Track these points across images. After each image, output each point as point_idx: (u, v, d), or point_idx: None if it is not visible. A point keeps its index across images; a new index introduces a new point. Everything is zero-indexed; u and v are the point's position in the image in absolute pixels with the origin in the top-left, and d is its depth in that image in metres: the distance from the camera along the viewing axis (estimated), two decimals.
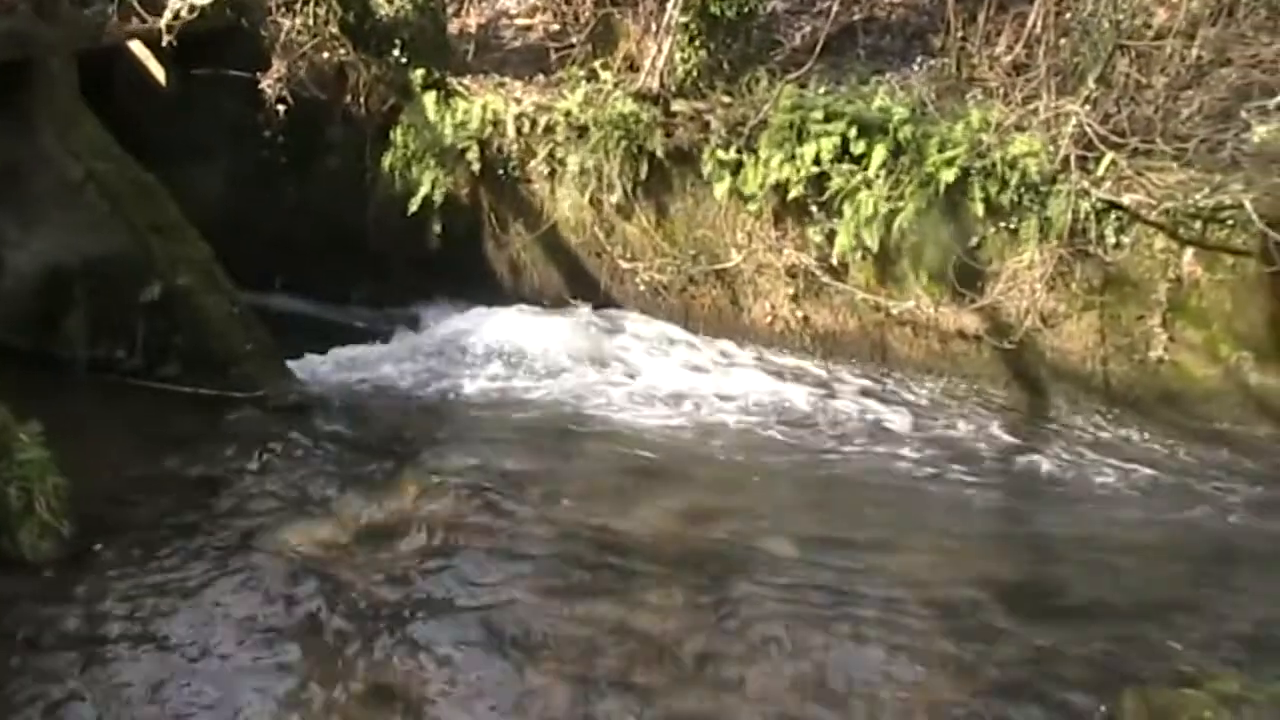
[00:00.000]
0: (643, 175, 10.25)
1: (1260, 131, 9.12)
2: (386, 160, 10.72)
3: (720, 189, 10.01)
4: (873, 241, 9.48)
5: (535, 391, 9.24)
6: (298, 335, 9.51)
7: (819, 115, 9.65)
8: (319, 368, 9.33)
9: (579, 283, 10.74)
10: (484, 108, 10.56)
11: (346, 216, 10.81)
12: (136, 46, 10.64)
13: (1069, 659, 5.95)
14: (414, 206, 10.53)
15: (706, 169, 10.04)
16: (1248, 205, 8.59)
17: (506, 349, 9.70)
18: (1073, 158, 9.07)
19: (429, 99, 10.60)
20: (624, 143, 10.16)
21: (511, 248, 10.84)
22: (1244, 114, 9.23)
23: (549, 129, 10.48)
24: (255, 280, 9.93)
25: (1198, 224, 8.92)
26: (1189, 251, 8.97)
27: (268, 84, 10.43)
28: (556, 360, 9.63)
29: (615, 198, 10.30)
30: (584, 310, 10.51)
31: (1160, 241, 9.04)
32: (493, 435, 8.49)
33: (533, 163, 10.55)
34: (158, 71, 10.76)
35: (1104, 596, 6.66)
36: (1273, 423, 8.89)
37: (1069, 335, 9.34)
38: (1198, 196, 8.88)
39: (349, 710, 5.38)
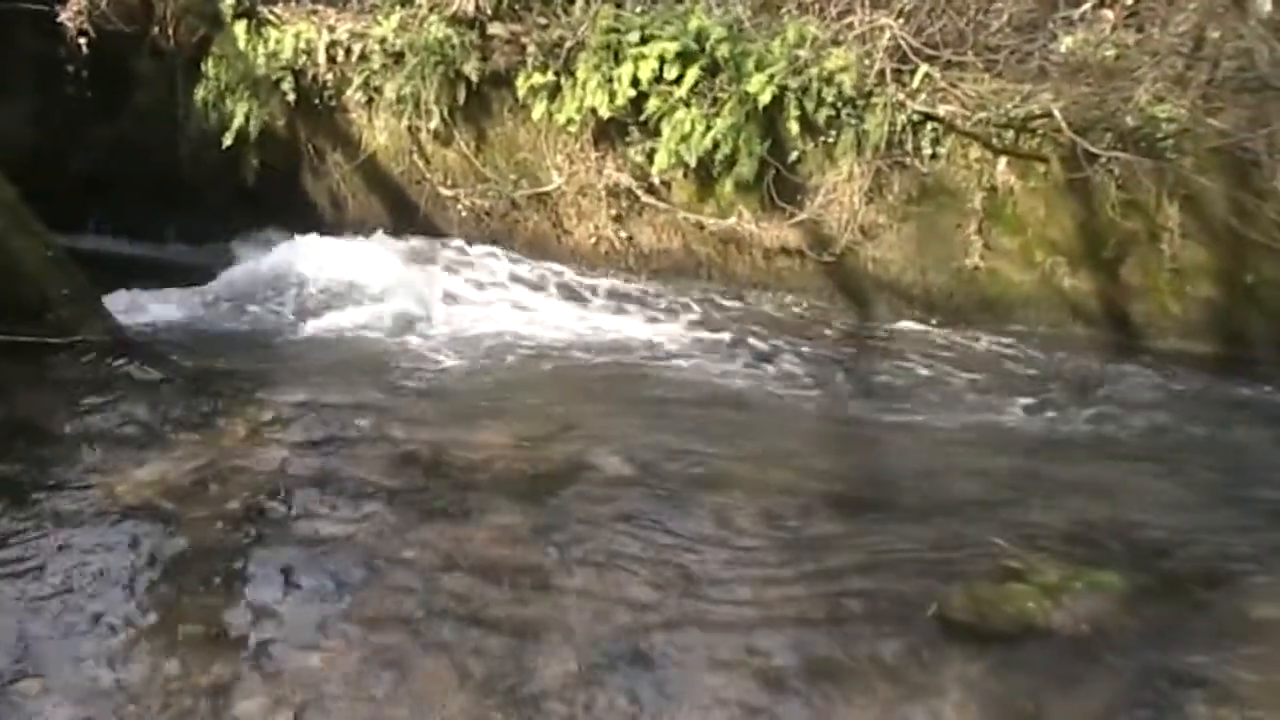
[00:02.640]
0: (460, 101, 10.00)
1: (1067, 41, 9.16)
2: (198, 93, 10.29)
3: (538, 112, 9.81)
4: (691, 160, 9.37)
5: (360, 322, 8.96)
6: (114, 276, 9.08)
7: (635, 37, 9.47)
8: (137, 308, 8.99)
9: (400, 211, 10.48)
10: (297, 36, 10.15)
11: (159, 152, 10.35)
12: None
13: (899, 560, 5.91)
14: (228, 139, 10.13)
15: (524, 93, 9.84)
16: (1057, 114, 8.64)
17: (328, 281, 9.36)
18: (888, 71, 9.04)
19: (240, 29, 10.15)
20: (440, 68, 9.87)
21: (330, 178, 10.53)
22: (1051, 24, 9.29)
23: (364, 56, 10.15)
24: (67, 222, 9.36)
25: (1010, 133, 8.96)
26: (1002, 161, 8.99)
27: (67, 17, 9.87)
28: (380, 290, 9.32)
29: (433, 124, 10.04)
30: (406, 238, 10.21)
31: (975, 151, 9.06)
32: (319, 368, 8.23)
33: (349, 91, 10.22)
34: None
35: (930, 498, 6.63)
36: (1086, 324, 8.99)
37: (889, 246, 9.35)
38: (1009, 106, 8.90)
39: (186, 656, 5.15)
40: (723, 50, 9.24)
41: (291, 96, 10.19)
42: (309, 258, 9.77)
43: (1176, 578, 5.81)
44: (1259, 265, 8.41)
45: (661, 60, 9.35)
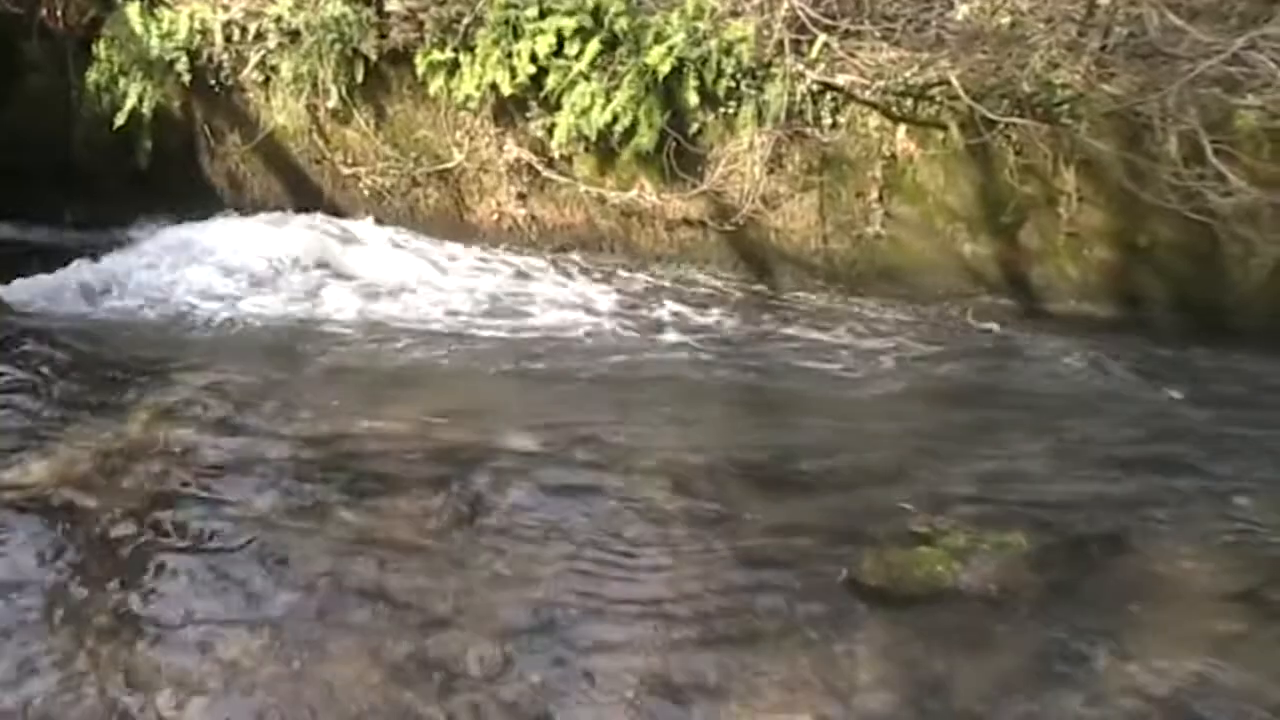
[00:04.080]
0: (359, 79, 9.81)
1: (963, 9, 9.15)
2: (91, 76, 9.98)
3: (437, 89, 9.66)
4: (591, 134, 9.27)
5: (261, 305, 8.81)
6: (7, 263, 8.98)
7: (533, 12, 9.31)
8: (32, 295, 8.83)
9: (301, 191, 10.28)
10: (191, 16, 9.86)
11: (52, 136, 10.06)
12: None
13: (809, 528, 5.93)
14: (121, 122, 9.87)
15: (423, 70, 9.67)
16: (954, 81, 8.61)
17: (228, 263, 9.16)
18: (786, 42, 8.94)
19: (132, 9, 9.83)
20: (337, 46, 9.65)
21: (229, 159, 10.29)
22: None
23: (260, 35, 9.91)
24: None
25: (909, 101, 8.93)
26: (902, 129, 8.99)
27: None
28: (281, 271, 9.15)
29: (332, 103, 9.84)
30: (307, 219, 10.03)
31: (874, 120, 9.01)
32: (221, 352, 8.09)
33: (245, 71, 9.97)
34: None
35: (840, 464, 6.66)
36: (987, 289, 9.04)
37: (791, 215, 9.29)
38: (907, 75, 8.86)
39: (92, 648, 5.10)
40: (621, 23, 9.14)
41: (187, 78, 9.93)
42: (209, 239, 9.63)
43: (1079, 536, 5.90)
44: (1153, 227, 8.50)
45: (560, 35, 9.23)
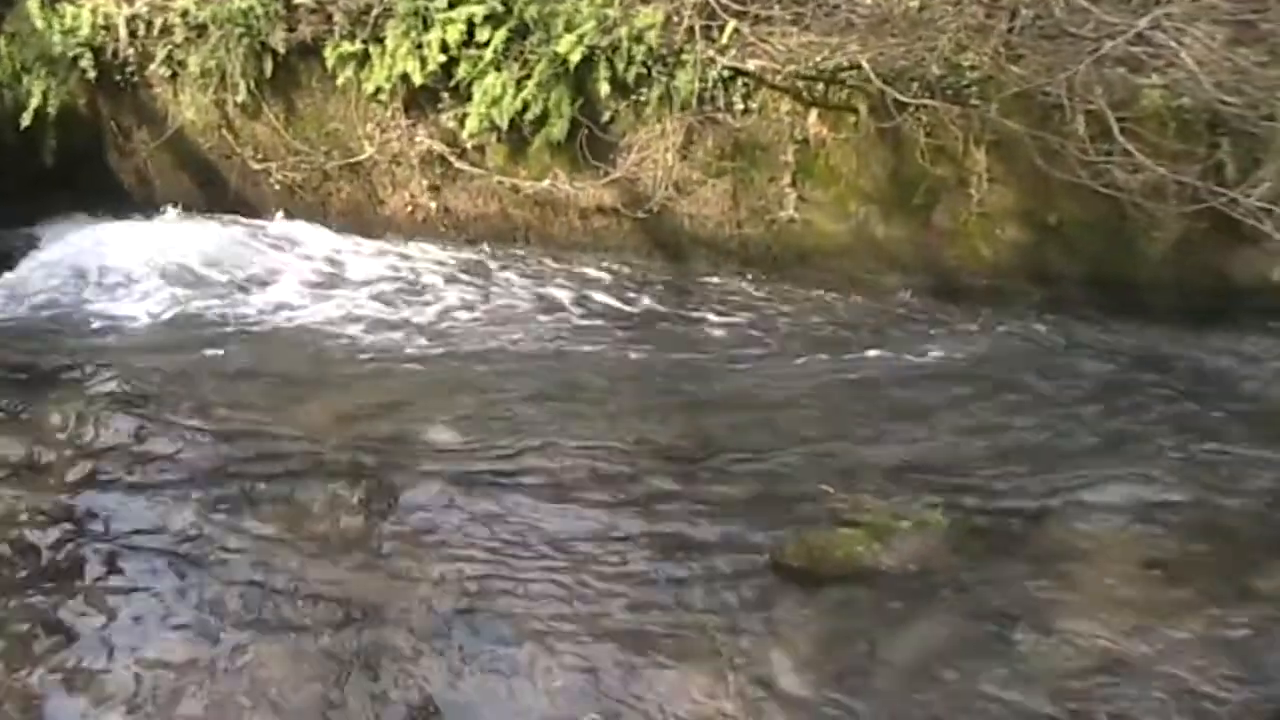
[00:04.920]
0: (267, 73, 9.66)
1: None
2: None
3: (347, 81, 9.56)
4: (503, 123, 9.20)
5: (172, 304, 8.69)
6: None
7: (443, 2, 9.21)
8: None
9: (211, 188, 10.13)
10: (94, 11, 9.68)
11: None
12: None
13: (731, 513, 5.93)
14: (26, 121, 9.63)
15: (332, 62, 9.54)
16: (865, 65, 8.64)
17: (138, 263, 9.03)
18: (697, 28, 8.94)
19: (34, 5, 9.59)
20: (245, 40, 9.50)
21: (137, 157, 10.10)
22: None
23: (166, 30, 9.73)
24: None
25: (820, 86, 8.93)
26: (813, 113, 8.99)
27: None
28: (192, 269, 9.02)
29: (240, 98, 9.67)
30: (218, 215, 9.93)
31: (786, 105, 9.00)
32: (134, 354, 7.95)
33: (152, 67, 9.79)
34: None
35: (759, 447, 6.65)
36: (900, 271, 9.02)
37: (704, 201, 9.26)
38: (818, 59, 8.86)
39: (9, 654, 5.02)
40: (531, 11, 9.07)
41: (92, 74, 9.75)
42: (117, 239, 9.49)
43: (996, 513, 5.94)
44: (1063, 205, 8.54)
45: (470, 23, 9.13)
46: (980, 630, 5.07)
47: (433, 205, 9.85)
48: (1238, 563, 5.58)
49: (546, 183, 9.46)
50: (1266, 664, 4.88)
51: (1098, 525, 5.85)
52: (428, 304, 8.85)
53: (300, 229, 9.87)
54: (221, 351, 8.01)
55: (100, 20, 9.81)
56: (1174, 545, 5.68)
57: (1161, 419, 7.11)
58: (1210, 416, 7.14)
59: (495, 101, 9.15)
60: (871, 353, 8.14)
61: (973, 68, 8.61)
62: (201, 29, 9.71)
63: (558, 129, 9.12)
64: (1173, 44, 8.02)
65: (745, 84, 9.04)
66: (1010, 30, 8.63)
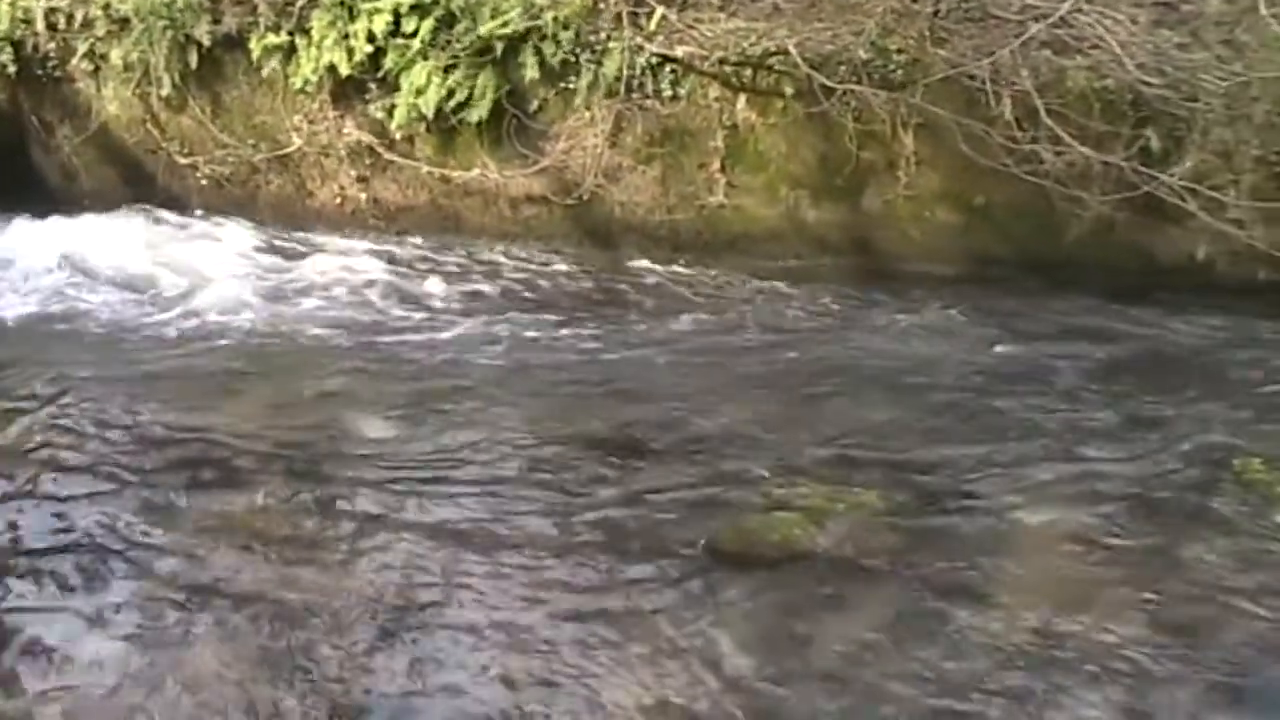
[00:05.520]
0: (192, 65, 9.63)
1: None
2: None
3: (274, 73, 9.52)
4: (430, 113, 9.20)
5: (99, 301, 8.56)
6: None
7: None
8: None
9: (137, 183, 10.08)
10: (12, 5, 9.60)
11: None
12: None
13: (666, 501, 5.91)
14: None
15: (258, 54, 9.50)
16: (792, 50, 8.67)
17: (63, 260, 8.92)
18: (624, 14, 8.93)
19: None
20: (169, 33, 9.46)
21: (60, 152, 10.07)
22: None
23: (88, 23, 9.69)
24: None
25: (748, 71, 8.96)
26: (742, 99, 9.01)
27: None
28: (119, 265, 8.95)
29: (165, 91, 9.64)
30: (145, 210, 9.85)
31: (714, 91, 9.02)
32: (60, 353, 7.83)
33: (74, 60, 9.77)
34: None
35: (693, 434, 6.64)
36: (831, 254, 9.08)
37: (635, 188, 9.29)
38: (746, 45, 8.89)
39: None
40: (459, 0, 9.13)
41: (12, 69, 9.72)
42: (42, 236, 9.37)
43: (930, 493, 5.94)
44: (990, 188, 8.59)
45: (396, 13, 9.10)
46: (917, 609, 5.07)
47: (362, 197, 9.80)
48: (1166, 535, 5.62)
49: (475, 172, 9.44)
50: (1197, 634, 4.93)
51: (1030, 503, 5.86)
52: (357, 297, 8.79)
53: (230, 222, 9.79)
54: (146, 348, 7.93)
55: (19, 14, 9.72)
56: (1104, 520, 5.71)
57: (1090, 397, 7.17)
58: (1137, 393, 7.20)
59: (421, 91, 9.11)
60: (803, 337, 8.15)
61: (899, 52, 8.64)
62: (124, 22, 9.65)
63: (486, 117, 9.10)
64: (1097, 26, 8.09)
65: (673, 70, 9.04)
66: (936, 14, 8.66)
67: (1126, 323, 8.30)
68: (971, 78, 8.37)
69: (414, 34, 9.12)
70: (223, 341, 8.09)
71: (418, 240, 9.63)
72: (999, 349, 7.93)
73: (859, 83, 8.61)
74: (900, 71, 8.62)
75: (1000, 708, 4.46)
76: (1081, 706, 4.47)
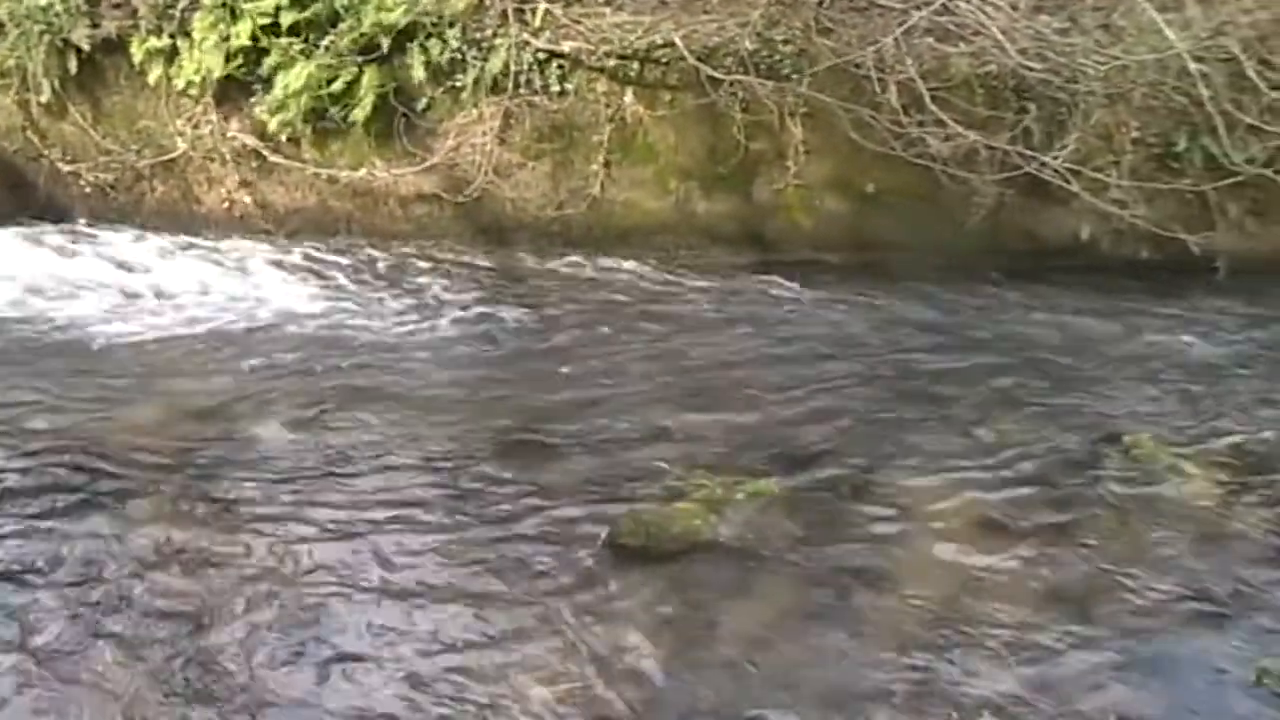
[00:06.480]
0: (72, 70, 9.42)
1: None
2: None
3: (155, 77, 9.34)
4: (316, 113, 9.13)
5: None
6: None
7: None
8: None
9: (17, 192, 9.79)
10: None
11: None
12: None
13: (565, 496, 5.87)
14: None
15: (140, 58, 9.31)
16: (679, 42, 8.72)
17: None
18: (510, 11, 8.93)
19: None
20: (46, 37, 9.25)
21: None
22: None
23: None
24: None
25: (635, 65, 8.96)
26: (630, 92, 9.01)
27: None
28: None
29: (44, 97, 9.43)
30: (26, 221, 9.62)
31: (602, 85, 9.02)
32: None
33: None
34: None
35: (590, 429, 6.60)
36: (723, 245, 9.10)
37: (525, 184, 9.24)
38: (633, 38, 8.90)
39: None
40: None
41: None
42: None
43: (829, 478, 5.96)
44: (879, 174, 8.67)
45: (278, 12, 9.02)
46: (819, 594, 5.07)
47: (249, 200, 9.64)
48: (1061, 513, 5.70)
49: (363, 172, 9.33)
50: (1093, 606, 4.98)
51: (926, 486, 5.91)
52: (250, 303, 8.63)
53: (115, 231, 9.57)
54: (42, 359, 7.75)
55: None
56: (999, 501, 5.78)
57: (981, 378, 7.24)
58: (1028, 373, 7.30)
59: (300, 91, 8.99)
60: (696, 328, 8.15)
61: (785, 42, 8.69)
62: None
63: (372, 116, 9.01)
64: (977, 13, 8.17)
65: (560, 66, 9.01)
66: (821, 4, 8.71)
67: (1017, 304, 8.40)
68: (857, 66, 8.44)
69: (296, 33, 8.99)
70: (119, 350, 7.91)
71: (308, 242, 9.47)
72: (890, 334, 7.98)
73: (746, 73, 8.65)
74: (787, 62, 8.66)
75: (905, 688, 4.48)
76: (986, 683, 4.50)
